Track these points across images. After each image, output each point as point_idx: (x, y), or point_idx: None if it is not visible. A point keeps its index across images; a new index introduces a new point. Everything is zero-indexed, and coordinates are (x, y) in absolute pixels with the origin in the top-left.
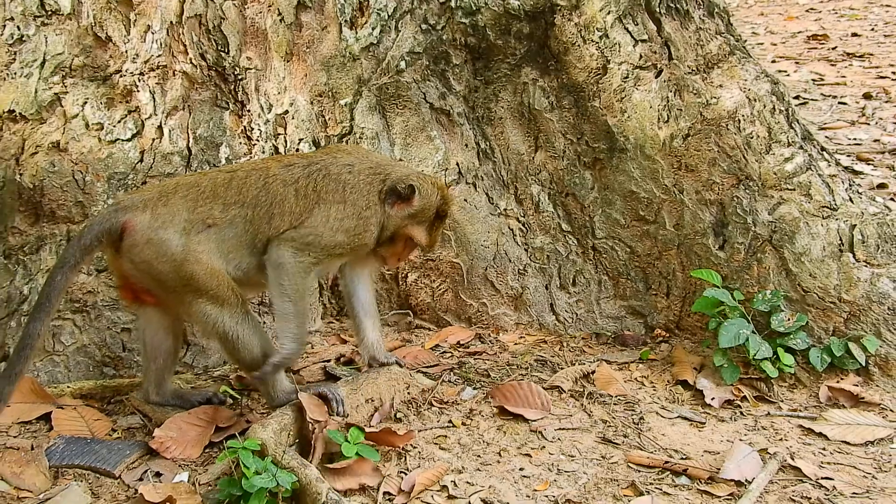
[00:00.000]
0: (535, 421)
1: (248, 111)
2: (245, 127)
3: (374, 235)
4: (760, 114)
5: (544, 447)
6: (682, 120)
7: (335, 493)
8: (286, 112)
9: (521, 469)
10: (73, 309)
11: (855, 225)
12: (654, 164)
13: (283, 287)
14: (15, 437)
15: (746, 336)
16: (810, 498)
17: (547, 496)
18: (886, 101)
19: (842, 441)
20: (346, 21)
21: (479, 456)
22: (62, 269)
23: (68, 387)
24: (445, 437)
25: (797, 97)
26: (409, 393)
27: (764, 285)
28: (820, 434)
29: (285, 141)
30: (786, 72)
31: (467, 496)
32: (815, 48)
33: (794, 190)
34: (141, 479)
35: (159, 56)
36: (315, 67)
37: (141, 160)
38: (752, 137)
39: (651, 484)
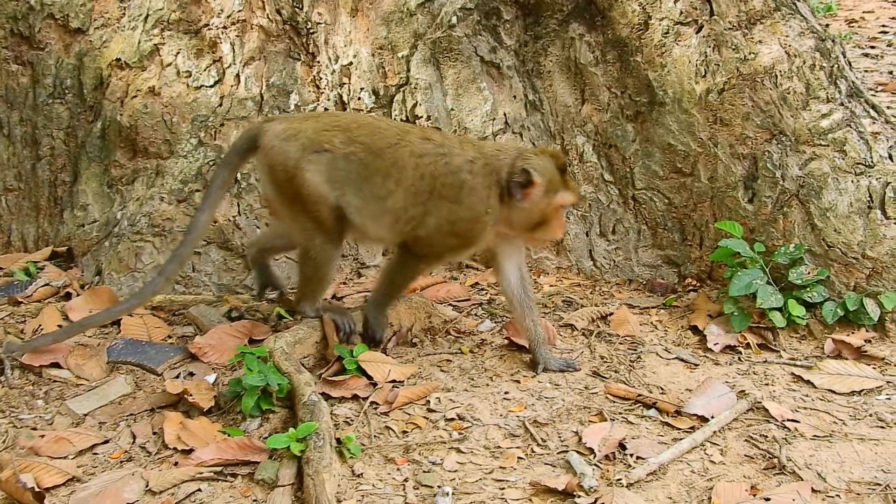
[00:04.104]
0: (531, 353)
1: (318, 62)
2: (314, 77)
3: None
4: (800, 70)
5: (534, 375)
6: (718, 75)
7: (317, 395)
8: (350, 63)
9: (505, 393)
10: (154, 233)
11: (889, 182)
12: (691, 118)
13: (394, 276)
14: (89, 336)
15: (757, 286)
16: (767, 437)
17: (518, 416)
18: None
19: (827, 389)
20: None
21: (472, 379)
22: (221, 170)
23: None
24: (450, 361)
25: None
26: (430, 321)
27: (789, 239)
28: (808, 382)
29: (349, 90)
30: None
31: (445, 410)
32: None
33: (828, 146)
34: (178, 377)
35: (240, 11)
36: (376, 22)
37: (220, 104)
38: (788, 93)
39: (619, 413)
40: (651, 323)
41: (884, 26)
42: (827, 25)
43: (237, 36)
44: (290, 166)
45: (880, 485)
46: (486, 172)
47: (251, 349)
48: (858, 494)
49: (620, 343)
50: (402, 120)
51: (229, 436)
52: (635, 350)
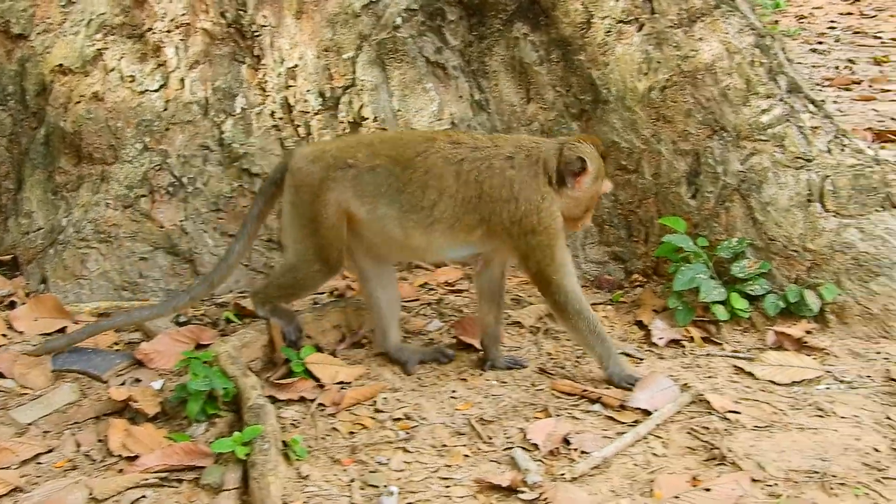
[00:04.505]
0: (483, 351)
1: (263, 65)
2: (260, 79)
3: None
4: (740, 66)
5: (482, 374)
6: (660, 72)
7: (263, 398)
8: (296, 66)
9: (453, 391)
10: (99, 239)
11: (828, 176)
12: (634, 116)
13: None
14: (34, 345)
15: (700, 280)
16: (709, 428)
17: (465, 414)
18: None
19: (768, 380)
20: None
21: (420, 378)
22: (258, 200)
23: (87, 306)
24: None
25: None
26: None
27: (731, 233)
28: (749, 374)
29: (295, 92)
30: None
31: (392, 410)
32: None
33: (769, 141)
34: (123, 384)
35: (184, 15)
36: (321, 24)
37: (165, 109)
38: (729, 89)
39: (565, 409)
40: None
41: (832, 22)
42: (776, 21)
43: (181, 40)
44: (315, 185)
45: (818, 472)
46: (529, 163)
47: (197, 354)
48: (796, 482)
49: (567, 340)
50: (349, 122)
51: (175, 441)
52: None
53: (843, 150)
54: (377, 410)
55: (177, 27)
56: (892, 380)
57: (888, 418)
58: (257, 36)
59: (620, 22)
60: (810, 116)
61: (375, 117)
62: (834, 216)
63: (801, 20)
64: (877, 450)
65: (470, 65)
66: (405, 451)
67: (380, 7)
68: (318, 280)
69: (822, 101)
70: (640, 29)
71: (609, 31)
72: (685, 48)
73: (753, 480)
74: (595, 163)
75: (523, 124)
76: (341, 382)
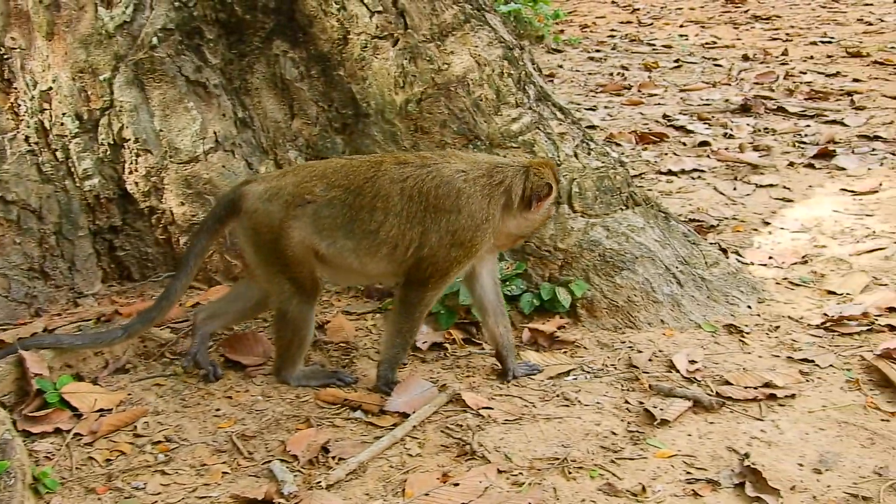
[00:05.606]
0: (250, 367)
1: (15, 88)
2: (12, 103)
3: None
4: (490, 77)
5: (248, 390)
6: (416, 85)
7: (10, 433)
8: (50, 88)
9: (217, 410)
10: None
11: (575, 178)
12: (394, 128)
13: (403, 320)
14: None
15: (459, 284)
16: (463, 425)
17: (227, 432)
18: (761, 63)
19: (523, 375)
20: (101, 0)
21: (184, 399)
22: (200, 237)
23: None
24: (161, 385)
25: (676, 60)
26: (144, 346)
27: None
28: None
29: (51, 116)
30: (686, 35)
31: (152, 434)
32: (729, 11)
33: (520, 147)
34: None
35: None
36: (74, 46)
37: None
38: (480, 100)
39: (326, 418)
40: (367, 328)
41: (612, 30)
42: (562, 31)
43: None
44: (275, 226)
45: (559, 459)
46: (486, 183)
47: None
48: (539, 470)
49: (335, 350)
50: (109, 144)
51: None
52: (348, 355)
53: (588, 154)
54: (136, 435)
55: None
56: (633, 366)
57: (626, 402)
58: (6, 59)
59: (376, 37)
60: (558, 123)
61: (137, 138)
62: (581, 216)
63: (585, 29)
64: (614, 433)
65: (232, 83)
66: (163, 473)
67: (135, 27)
68: (306, 314)
69: (570, 107)
70: (395, 44)
71: (365, 47)
72: (438, 61)
73: (500, 471)
74: (555, 188)
75: (289, 140)
76: (101, 410)
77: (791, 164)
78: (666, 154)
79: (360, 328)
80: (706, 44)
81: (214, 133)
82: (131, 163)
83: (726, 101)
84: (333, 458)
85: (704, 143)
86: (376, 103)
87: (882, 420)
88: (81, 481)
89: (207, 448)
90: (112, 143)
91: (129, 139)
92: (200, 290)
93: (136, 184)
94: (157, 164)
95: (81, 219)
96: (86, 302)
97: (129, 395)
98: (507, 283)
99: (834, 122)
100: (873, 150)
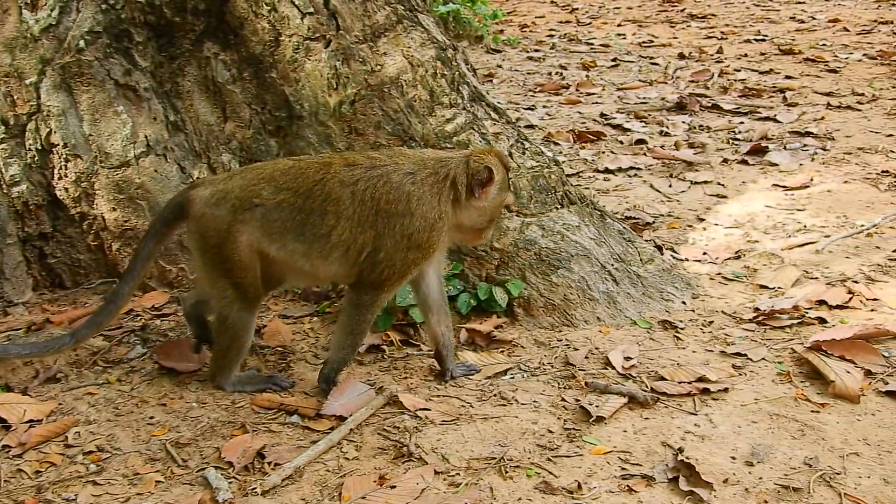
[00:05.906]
0: (184, 374)
1: None
2: None
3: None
4: (423, 78)
5: (182, 397)
6: (349, 87)
7: None
8: None
9: (150, 418)
10: None
11: (510, 178)
12: (328, 130)
13: (354, 322)
14: None
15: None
16: (400, 427)
17: (161, 440)
18: (697, 61)
19: (461, 376)
20: (25, 3)
21: (117, 408)
22: (147, 241)
23: None
24: (93, 394)
25: (614, 59)
26: (76, 355)
27: None
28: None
29: None
30: (624, 35)
31: (84, 444)
32: (665, 10)
33: (454, 148)
34: None
35: None
36: None
37: None
38: (414, 101)
39: (262, 424)
40: (304, 331)
41: (551, 30)
42: (502, 31)
43: None
44: (222, 230)
45: (496, 458)
46: (433, 181)
47: None
48: (476, 470)
49: (271, 354)
50: (38, 149)
51: None
52: (285, 359)
53: (523, 153)
54: (67, 446)
55: None
56: (570, 364)
57: (563, 400)
58: None
59: (308, 39)
60: (492, 123)
61: (65, 143)
62: (517, 216)
63: (524, 29)
64: (550, 431)
65: (162, 86)
66: (95, 483)
67: (61, 30)
68: (246, 320)
69: (505, 107)
70: (327, 45)
71: (297, 49)
72: (371, 63)
73: (437, 473)
74: (500, 173)
75: (222, 143)
76: (30, 421)
77: (725, 160)
78: (603, 152)
79: (297, 332)
80: (643, 43)
81: (146, 137)
82: (60, 168)
83: (662, 99)
84: (269, 463)
85: (641, 142)
86: (310, 105)
87: (812, 412)
88: (10, 494)
89: (141, 457)
90: (40, 148)
91: (58, 144)
92: (134, 296)
93: (66, 189)
94: (88, 170)
95: (10, 226)
96: (16, 311)
97: (60, 404)
98: (445, 283)
99: (767, 118)
100: (805, 145)
